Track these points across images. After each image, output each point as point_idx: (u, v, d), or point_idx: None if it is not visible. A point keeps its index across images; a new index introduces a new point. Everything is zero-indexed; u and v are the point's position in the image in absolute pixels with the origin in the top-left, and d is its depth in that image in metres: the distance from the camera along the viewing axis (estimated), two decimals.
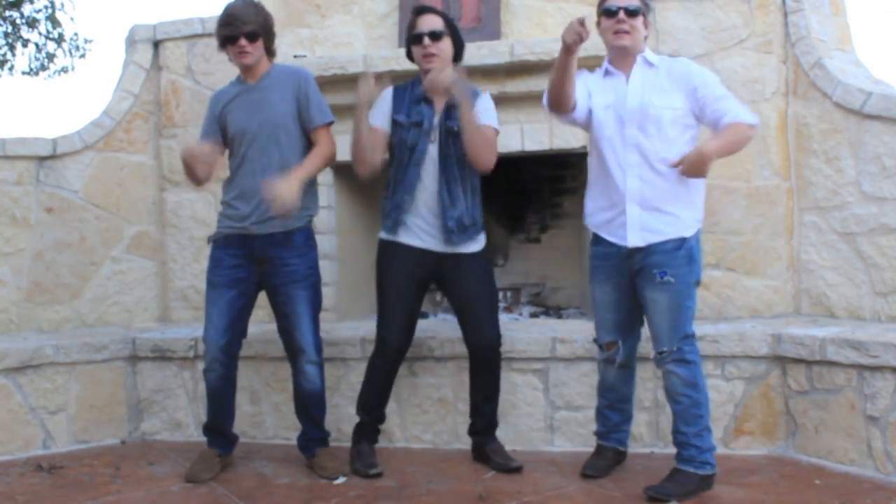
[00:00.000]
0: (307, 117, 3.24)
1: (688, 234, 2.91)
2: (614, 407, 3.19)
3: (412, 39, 3.17)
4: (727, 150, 2.85)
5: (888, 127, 3.47)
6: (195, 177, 3.24)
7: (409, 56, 3.28)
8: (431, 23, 3.14)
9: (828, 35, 3.91)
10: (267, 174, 3.15)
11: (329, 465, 3.24)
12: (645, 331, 3.11)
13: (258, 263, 3.22)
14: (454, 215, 3.16)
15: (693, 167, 2.76)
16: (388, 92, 3.26)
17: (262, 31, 3.18)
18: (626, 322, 3.08)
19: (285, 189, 3.02)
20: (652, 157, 2.89)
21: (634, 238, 2.93)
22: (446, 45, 3.16)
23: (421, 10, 3.19)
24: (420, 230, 3.20)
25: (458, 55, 3.25)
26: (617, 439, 3.22)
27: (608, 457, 3.19)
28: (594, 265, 3.10)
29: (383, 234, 3.29)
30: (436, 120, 3.18)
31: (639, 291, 2.97)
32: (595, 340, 3.19)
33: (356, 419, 3.40)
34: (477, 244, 3.26)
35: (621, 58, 2.97)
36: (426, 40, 3.11)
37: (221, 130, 3.29)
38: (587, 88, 3.01)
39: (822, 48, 3.80)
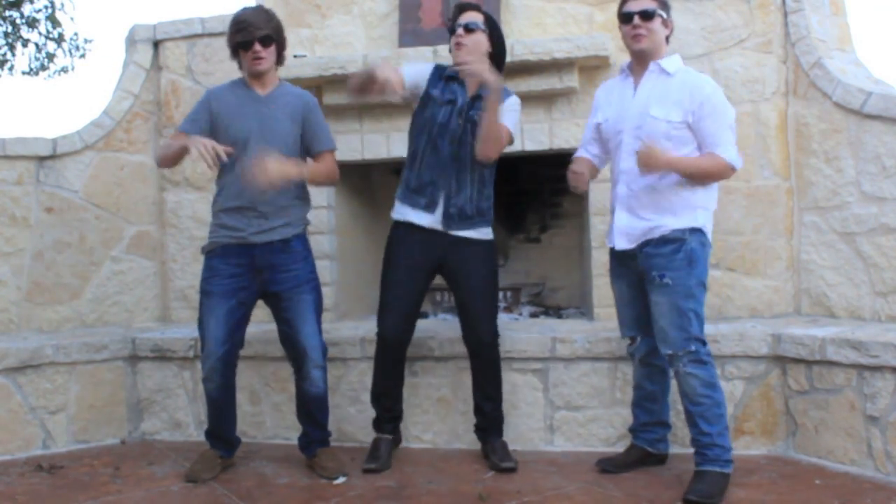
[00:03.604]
0: (315, 140, 3.24)
1: (654, 235, 2.91)
2: (641, 405, 3.22)
3: (451, 31, 3.25)
4: (692, 171, 2.86)
5: (888, 127, 3.47)
6: (169, 160, 3.25)
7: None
8: (468, 17, 3.22)
9: (828, 35, 3.91)
10: (260, 189, 3.12)
11: (329, 465, 3.24)
12: None
13: (258, 272, 3.21)
14: (457, 203, 3.21)
15: (643, 157, 2.82)
16: (430, 64, 3.34)
17: (276, 37, 3.18)
18: (643, 318, 3.07)
19: (276, 167, 3.01)
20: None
21: (621, 241, 3.01)
22: (478, 38, 3.20)
23: (463, 7, 3.28)
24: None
25: (500, 59, 3.28)
26: (645, 440, 3.22)
27: (631, 454, 3.22)
28: (611, 262, 3.17)
29: (400, 215, 3.29)
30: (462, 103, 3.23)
31: (647, 294, 2.99)
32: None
33: (356, 419, 3.39)
34: (478, 233, 3.28)
35: (639, 62, 3.00)
36: (459, 31, 3.19)
37: (211, 127, 3.21)
38: (596, 106, 3.14)
39: (822, 48, 3.80)
